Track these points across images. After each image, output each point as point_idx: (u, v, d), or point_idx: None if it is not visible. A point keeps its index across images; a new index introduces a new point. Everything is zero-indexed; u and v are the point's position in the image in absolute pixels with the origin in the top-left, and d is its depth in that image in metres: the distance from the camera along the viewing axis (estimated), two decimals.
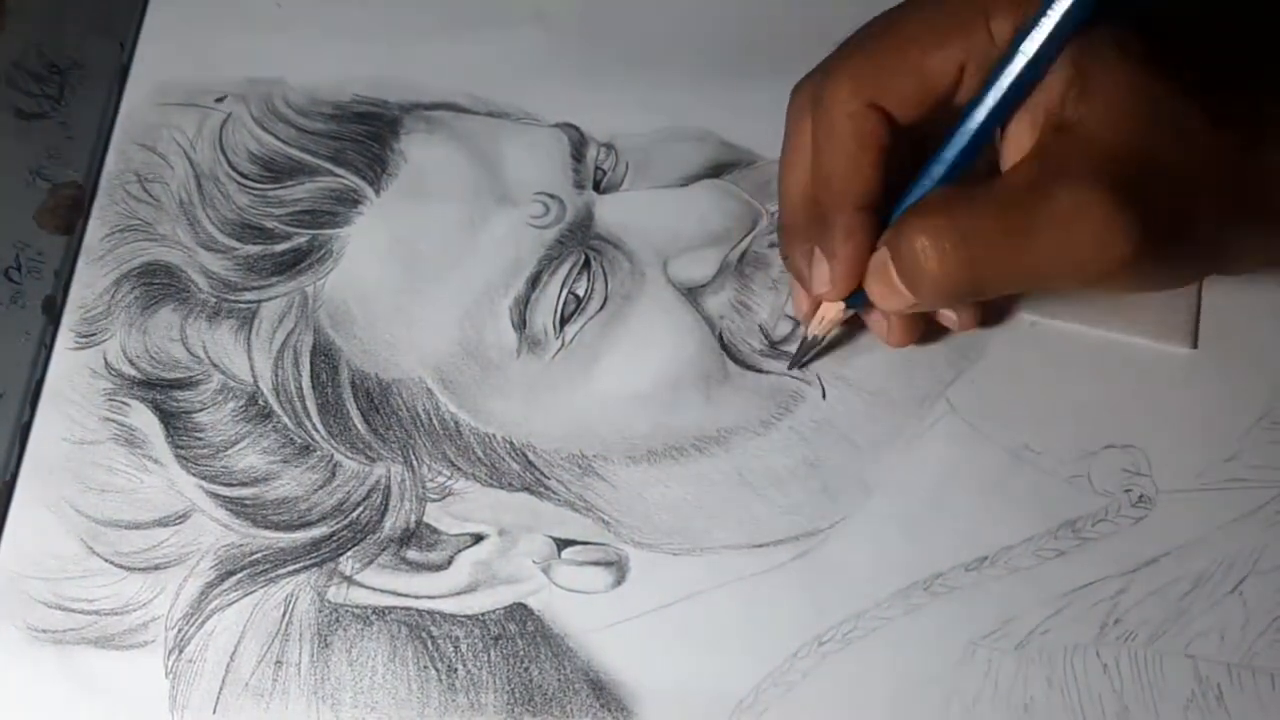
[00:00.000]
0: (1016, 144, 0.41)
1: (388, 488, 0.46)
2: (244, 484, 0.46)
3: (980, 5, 0.41)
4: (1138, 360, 0.47)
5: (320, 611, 0.44)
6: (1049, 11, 0.39)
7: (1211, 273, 0.46)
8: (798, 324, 0.48)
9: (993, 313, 0.47)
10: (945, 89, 0.42)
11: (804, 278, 0.44)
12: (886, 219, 0.43)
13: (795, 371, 0.47)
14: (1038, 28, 0.39)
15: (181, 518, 0.46)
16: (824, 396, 0.47)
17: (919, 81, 0.42)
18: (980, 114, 0.41)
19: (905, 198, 0.42)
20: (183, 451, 0.47)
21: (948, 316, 0.46)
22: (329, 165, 0.51)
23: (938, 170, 0.42)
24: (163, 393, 0.48)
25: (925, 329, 0.46)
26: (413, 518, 0.46)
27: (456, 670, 0.43)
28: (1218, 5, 0.42)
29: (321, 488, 0.46)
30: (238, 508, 0.46)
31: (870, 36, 0.43)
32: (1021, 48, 0.40)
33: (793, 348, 0.47)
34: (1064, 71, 0.39)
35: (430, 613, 0.44)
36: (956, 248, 0.39)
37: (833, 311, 0.45)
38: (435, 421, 0.47)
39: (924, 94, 0.42)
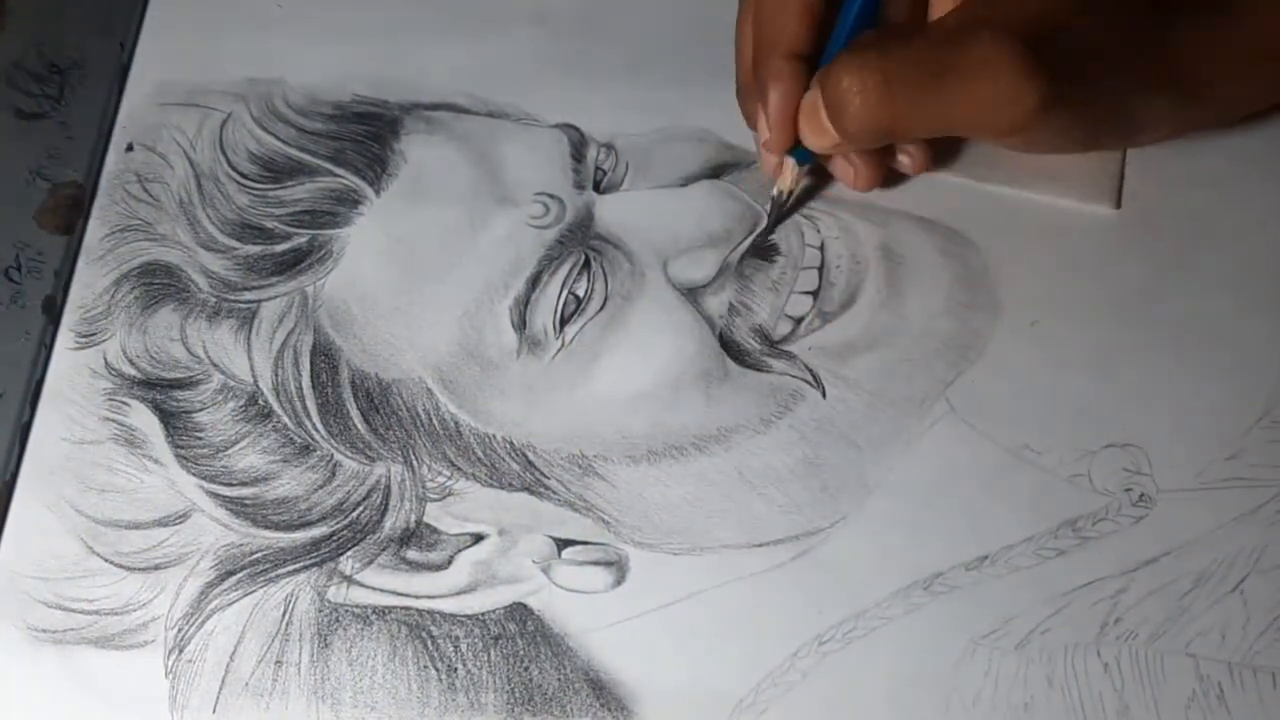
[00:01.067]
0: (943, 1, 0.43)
1: (388, 488, 0.46)
2: (244, 484, 0.46)
3: None
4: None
5: (320, 611, 0.44)
6: None
7: (1121, 143, 0.48)
8: (798, 323, 0.48)
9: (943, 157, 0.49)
10: None
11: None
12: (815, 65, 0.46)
13: (796, 371, 0.47)
14: None
15: (181, 518, 0.46)
16: (824, 396, 0.47)
17: None
18: None
19: (831, 45, 0.46)
20: (183, 451, 0.47)
21: (903, 161, 0.48)
22: (329, 165, 0.51)
23: (857, 10, 0.45)
24: (163, 393, 0.48)
25: (887, 170, 0.49)
26: (413, 518, 0.46)
27: (456, 670, 0.43)
28: None
29: (321, 487, 0.46)
30: (238, 507, 0.46)
31: None
32: None
33: (793, 348, 0.47)
34: None
35: (430, 612, 0.44)
36: (878, 86, 0.42)
37: (790, 167, 0.48)
38: (435, 421, 0.47)
39: None
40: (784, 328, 0.48)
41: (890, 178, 0.49)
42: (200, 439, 0.47)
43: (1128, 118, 0.44)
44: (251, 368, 0.48)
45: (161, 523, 0.46)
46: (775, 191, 0.49)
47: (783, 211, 0.49)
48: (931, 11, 0.45)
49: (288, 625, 0.44)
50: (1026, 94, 0.41)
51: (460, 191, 0.51)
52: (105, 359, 0.49)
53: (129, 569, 0.45)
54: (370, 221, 0.51)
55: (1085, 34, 0.41)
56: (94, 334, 0.49)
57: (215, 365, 0.48)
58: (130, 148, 0.51)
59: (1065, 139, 0.45)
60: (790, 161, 0.48)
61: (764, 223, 0.50)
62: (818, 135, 0.45)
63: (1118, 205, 0.49)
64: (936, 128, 0.44)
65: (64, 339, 0.49)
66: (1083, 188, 0.49)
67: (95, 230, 0.51)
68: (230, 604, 0.44)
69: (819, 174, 0.50)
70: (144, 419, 0.47)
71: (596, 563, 0.45)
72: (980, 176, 0.50)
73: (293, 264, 0.50)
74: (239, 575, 0.45)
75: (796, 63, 0.46)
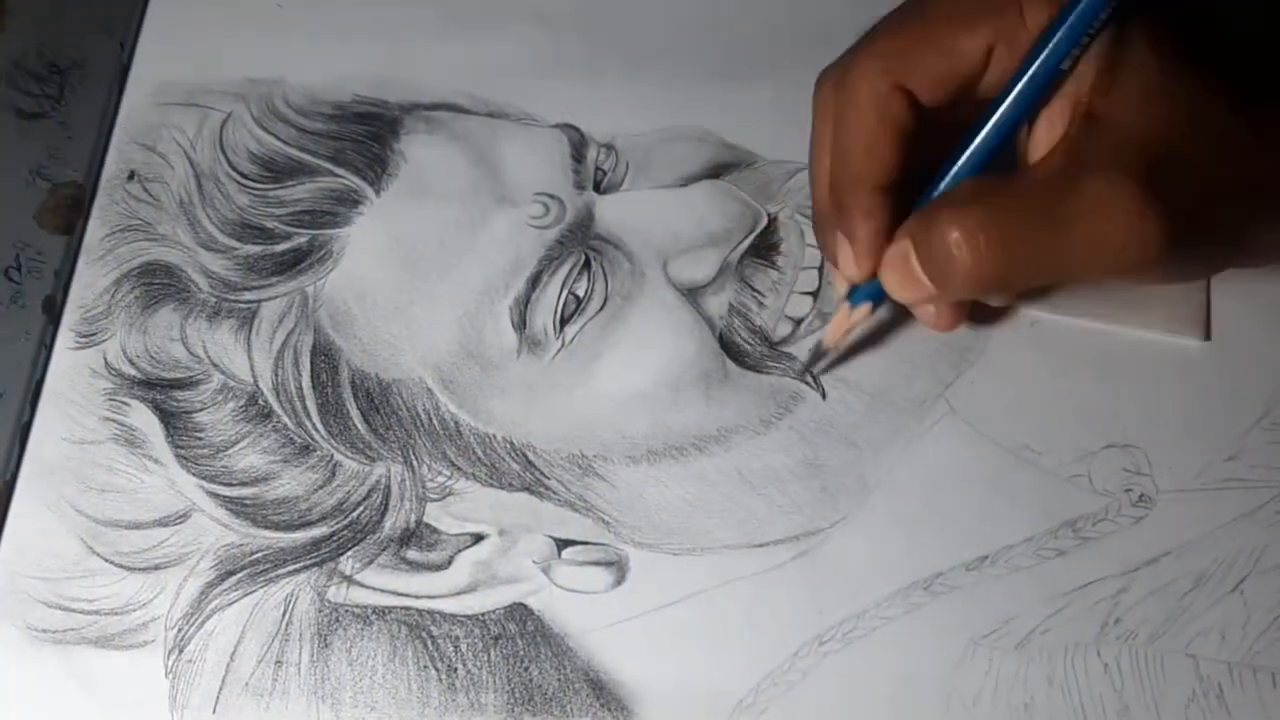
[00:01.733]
0: (1043, 137, 0.41)
1: (388, 487, 0.46)
2: (244, 484, 0.46)
3: None
4: (1144, 357, 0.47)
5: (320, 611, 0.44)
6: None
7: (1232, 265, 0.45)
8: (798, 324, 0.48)
9: (979, 312, 0.47)
10: (972, 71, 0.42)
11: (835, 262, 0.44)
12: (906, 205, 0.42)
13: (794, 372, 0.47)
14: (1074, 15, 0.39)
15: (181, 517, 0.46)
16: (824, 397, 0.47)
17: (946, 62, 0.42)
18: (1010, 103, 0.41)
19: (930, 188, 0.42)
20: (183, 451, 0.47)
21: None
22: (329, 165, 0.51)
23: (964, 159, 0.42)
24: (163, 392, 0.48)
25: (964, 317, 0.46)
26: (413, 517, 0.46)
27: (456, 670, 0.43)
28: (1241, 4, 0.43)
29: (321, 487, 0.46)
30: (238, 507, 0.46)
31: (898, 18, 0.43)
32: (1056, 36, 0.39)
33: (793, 348, 0.47)
34: (1093, 63, 0.40)
35: (430, 613, 0.44)
36: (991, 241, 0.39)
37: (847, 318, 0.45)
38: (435, 421, 0.47)
39: (950, 75, 0.42)
40: (784, 329, 0.48)
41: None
42: (200, 439, 0.47)
43: (1250, 244, 0.42)
44: (251, 368, 0.48)
45: (161, 523, 0.46)
46: (824, 343, 0.46)
47: (827, 362, 0.47)
48: (1031, 152, 0.41)
49: (288, 625, 0.44)
50: (1150, 233, 0.38)
51: (460, 191, 0.51)
52: (105, 359, 0.49)
53: (129, 569, 0.45)
54: (370, 221, 0.51)
55: (1203, 162, 0.39)
56: (94, 334, 0.49)
57: (215, 365, 0.48)
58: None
59: (1184, 272, 0.43)
60: (845, 309, 0.45)
61: (763, 222, 0.50)
62: (907, 287, 0.42)
63: (1207, 337, 0.47)
64: (1049, 277, 0.42)
65: (64, 339, 0.49)
66: (1170, 319, 0.47)
67: (95, 230, 0.51)
68: (230, 604, 0.44)
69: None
70: (144, 419, 0.47)
71: (596, 563, 0.45)
72: (1062, 310, 0.47)
73: (293, 264, 0.50)
74: (239, 575, 0.45)
75: (887, 196, 0.42)
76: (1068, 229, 0.39)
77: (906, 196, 0.43)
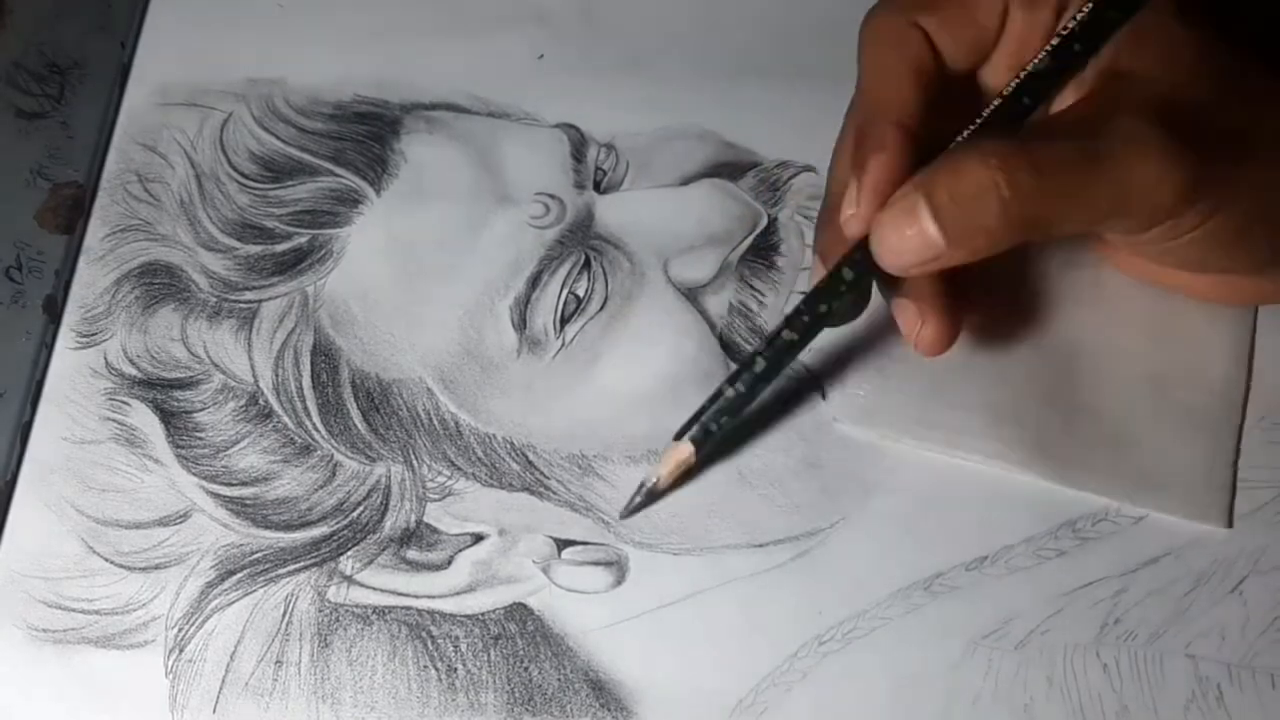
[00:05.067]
0: (1063, 99, 0.41)
1: (388, 487, 0.46)
2: (244, 484, 0.46)
3: None
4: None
5: (320, 611, 0.44)
6: None
7: (1271, 253, 0.43)
8: None
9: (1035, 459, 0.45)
10: (990, 26, 0.42)
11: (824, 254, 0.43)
12: (924, 155, 0.40)
13: (793, 372, 0.47)
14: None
15: (182, 517, 0.46)
16: (824, 397, 0.47)
17: (965, 12, 0.42)
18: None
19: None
20: (183, 451, 0.47)
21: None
22: (329, 165, 0.52)
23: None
24: (163, 392, 0.48)
25: (959, 332, 0.43)
26: (413, 517, 0.46)
27: (456, 670, 0.44)
28: None
29: (322, 487, 0.46)
30: (238, 507, 0.46)
31: None
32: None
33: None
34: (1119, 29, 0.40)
35: (430, 612, 0.44)
36: (1030, 175, 0.37)
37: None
38: (435, 421, 0.47)
39: (966, 25, 0.42)
40: None
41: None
42: (201, 439, 0.47)
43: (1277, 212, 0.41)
44: (252, 368, 0.48)
45: (162, 522, 0.46)
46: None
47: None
48: (1054, 108, 0.41)
49: (288, 625, 0.44)
50: (1176, 171, 0.37)
51: (461, 191, 0.51)
52: (106, 359, 0.49)
53: (129, 569, 0.45)
54: (371, 221, 0.51)
55: (1229, 118, 0.39)
56: (95, 334, 0.49)
57: (216, 365, 0.48)
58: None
59: (1213, 240, 0.40)
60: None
61: (764, 222, 0.50)
62: (912, 245, 0.38)
63: (1229, 524, 0.44)
64: (1080, 220, 0.39)
65: (65, 339, 0.49)
66: (1189, 505, 0.44)
67: (96, 230, 0.51)
68: (230, 604, 0.44)
69: (817, 174, 0.50)
70: (144, 419, 0.47)
71: (596, 563, 0.45)
72: (1074, 482, 0.45)
73: (293, 264, 0.50)
74: (239, 575, 0.45)
75: (905, 137, 0.40)
76: (1098, 166, 0.38)
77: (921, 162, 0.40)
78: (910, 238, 0.38)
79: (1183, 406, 0.45)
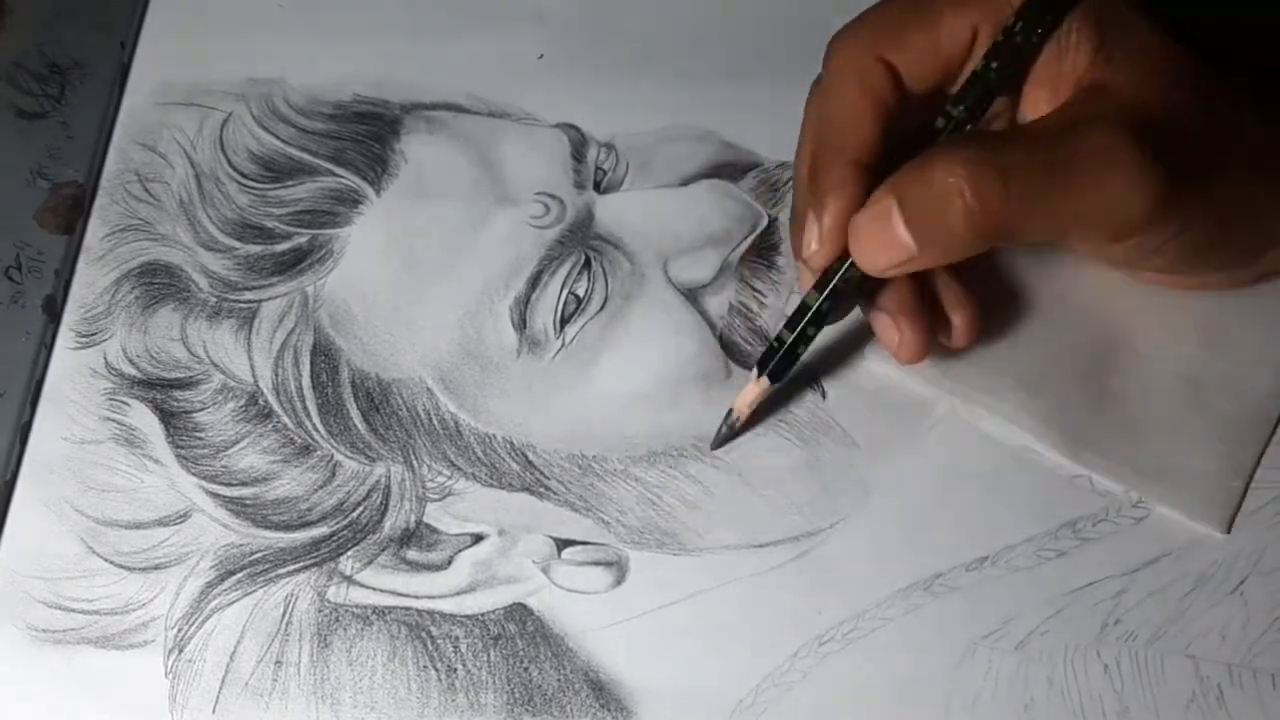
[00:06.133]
0: (1038, 110, 0.41)
1: (388, 488, 0.46)
2: (244, 484, 0.46)
3: None
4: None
5: (320, 611, 0.44)
6: None
7: (1248, 258, 0.44)
8: None
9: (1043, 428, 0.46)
10: (956, 50, 0.41)
11: (798, 249, 0.43)
12: (879, 182, 0.40)
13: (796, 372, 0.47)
14: None
15: (182, 517, 0.46)
16: (824, 397, 0.47)
17: (929, 38, 0.41)
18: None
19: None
20: (183, 451, 0.47)
21: (956, 325, 0.44)
22: (329, 165, 0.52)
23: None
24: (163, 392, 0.48)
25: (932, 340, 0.44)
26: (413, 518, 0.46)
27: (456, 670, 0.43)
28: None
29: (321, 488, 0.46)
30: (238, 507, 0.46)
31: None
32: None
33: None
34: (1090, 42, 0.40)
35: (430, 613, 0.44)
36: (995, 183, 0.38)
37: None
38: (435, 421, 0.47)
39: (933, 53, 0.41)
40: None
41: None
42: (200, 439, 0.47)
43: (1249, 223, 0.42)
44: (252, 368, 0.48)
45: (162, 523, 0.46)
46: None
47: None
48: (1023, 116, 0.41)
49: (288, 625, 0.44)
50: (1148, 185, 0.38)
51: (461, 191, 0.51)
52: (105, 359, 0.49)
53: (129, 569, 0.45)
54: (371, 221, 0.51)
55: (1199, 125, 0.39)
56: (94, 334, 0.49)
57: (215, 365, 0.48)
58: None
59: (1180, 253, 0.41)
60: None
61: (764, 222, 0.50)
62: (884, 251, 0.39)
63: (1227, 531, 0.44)
64: (1049, 228, 0.40)
65: (64, 339, 0.49)
66: (1192, 502, 0.44)
67: (96, 230, 0.51)
68: (230, 604, 0.44)
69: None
70: (144, 419, 0.47)
71: (596, 563, 0.45)
72: (1084, 461, 0.45)
73: (293, 264, 0.50)
74: (239, 575, 0.45)
75: (864, 174, 0.41)
76: (1068, 175, 0.38)
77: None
78: (883, 241, 0.39)
79: (1215, 410, 0.45)
